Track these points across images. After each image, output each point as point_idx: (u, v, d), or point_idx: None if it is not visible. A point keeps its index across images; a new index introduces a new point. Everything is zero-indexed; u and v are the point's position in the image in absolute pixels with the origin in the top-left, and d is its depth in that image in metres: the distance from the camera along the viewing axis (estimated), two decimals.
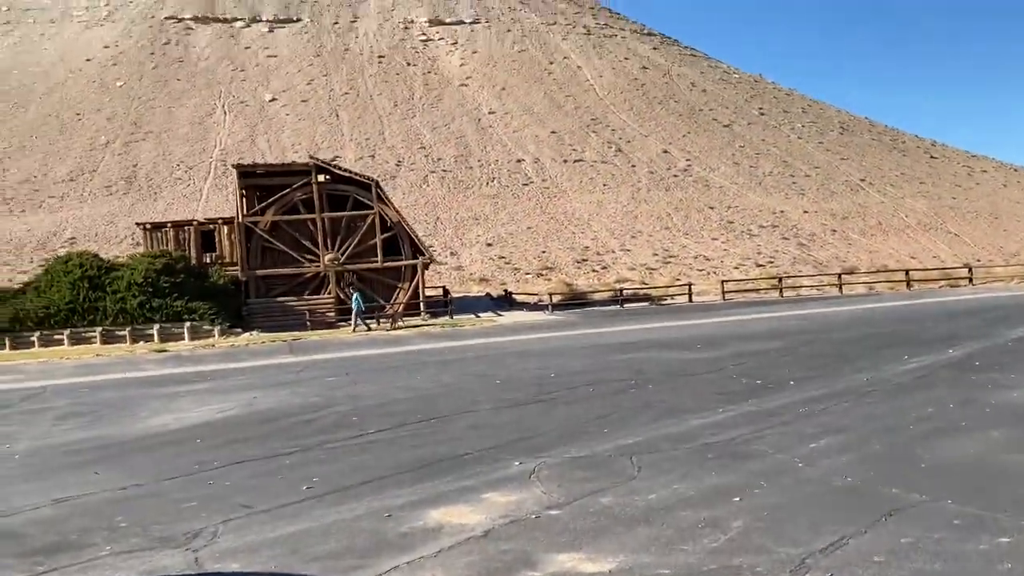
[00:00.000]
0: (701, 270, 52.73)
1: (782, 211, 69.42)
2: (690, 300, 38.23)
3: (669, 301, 38.86)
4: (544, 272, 53.32)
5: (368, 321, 32.07)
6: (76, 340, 30.89)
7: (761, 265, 53.66)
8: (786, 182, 79.47)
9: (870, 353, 16.29)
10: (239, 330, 32.10)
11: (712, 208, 68.79)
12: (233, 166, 35.49)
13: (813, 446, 8.93)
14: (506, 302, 40.13)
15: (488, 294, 44.57)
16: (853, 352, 16.63)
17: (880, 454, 8.48)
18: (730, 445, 9.14)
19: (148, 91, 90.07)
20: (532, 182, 75.01)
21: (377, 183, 35.59)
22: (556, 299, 38.13)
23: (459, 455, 9.23)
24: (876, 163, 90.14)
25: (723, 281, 40.93)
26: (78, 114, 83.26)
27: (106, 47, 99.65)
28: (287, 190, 34.32)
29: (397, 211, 35.72)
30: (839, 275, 42.21)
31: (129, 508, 7.78)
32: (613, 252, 57.82)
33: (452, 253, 56.93)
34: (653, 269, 53.69)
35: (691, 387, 13.26)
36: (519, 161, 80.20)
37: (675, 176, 78.18)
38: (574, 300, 39.72)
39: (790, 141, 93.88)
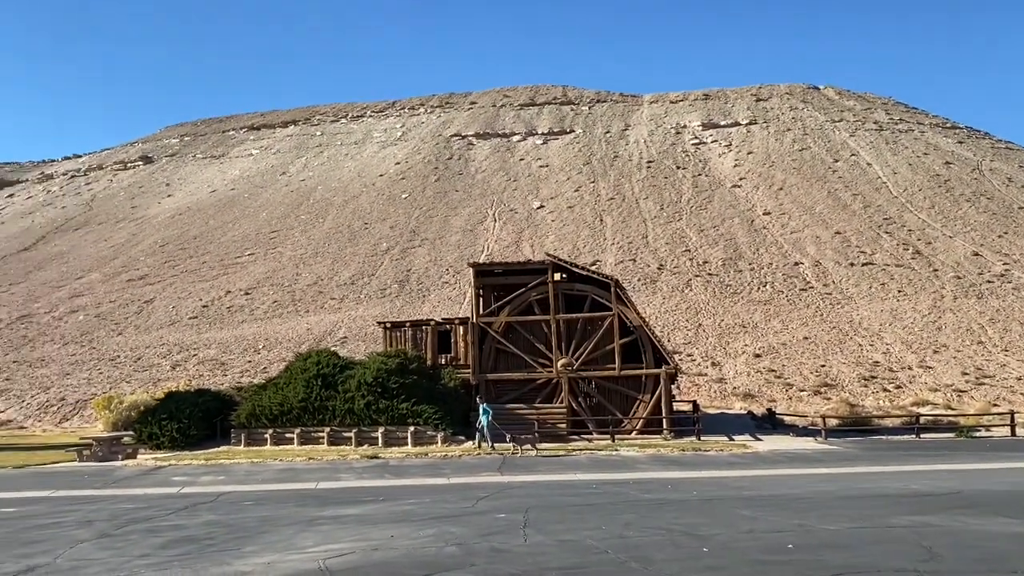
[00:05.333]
0: None
1: None
2: (1012, 433, 29.83)
3: (983, 433, 30.67)
4: (822, 390, 46.04)
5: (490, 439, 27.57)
6: (305, 439, 30.16)
7: None
8: None
9: None
10: (462, 437, 29.61)
11: None
12: (469, 264, 34.00)
13: None
14: (768, 423, 34.14)
15: (750, 412, 38.65)
16: None
17: None
18: None
19: (429, 202, 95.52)
20: (811, 287, 67.51)
21: (617, 282, 32.13)
22: (831, 423, 31.60)
23: None
24: None
25: None
26: (366, 223, 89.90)
27: (397, 163, 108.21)
28: (522, 289, 32.02)
29: (639, 314, 31.86)
30: None
31: None
32: (910, 369, 48.91)
33: (713, 364, 51.42)
34: (962, 391, 44.26)
35: None
36: (796, 264, 73.08)
37: (989, 282, 66.50)
38: (855, 426, 32.78)
39: None
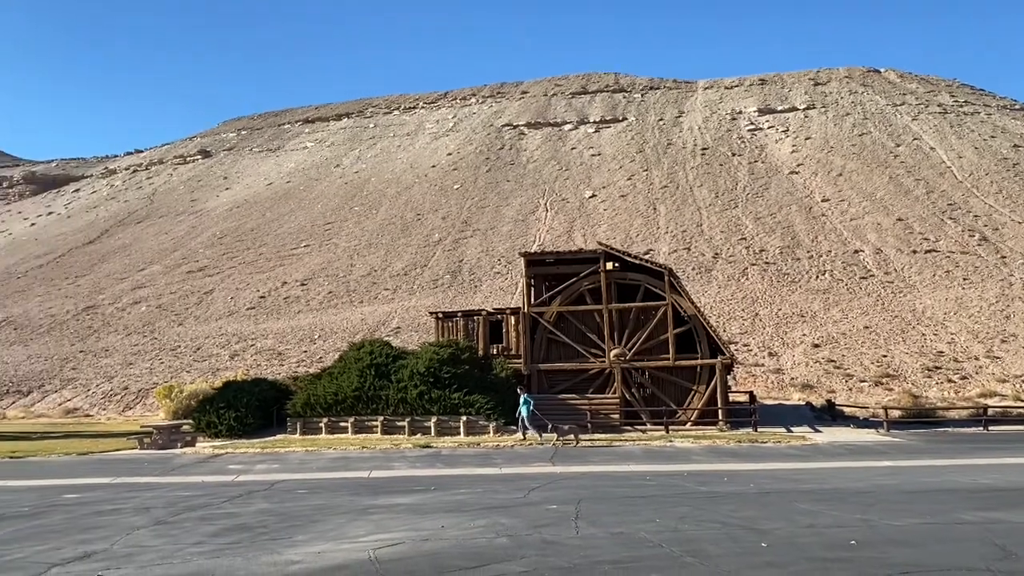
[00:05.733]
0: None
1: None
2: None
3: None
4: (884, 380, 44.81)
5: (528, 430, 27.25)
6: (359, 428, 30.40)
7: None
8: None
9: None
10: (514, 428, 29.48)
11: None
12: (521, 254, 33.82)
13: None
14: (828, 415, 33.30)
15: (808, 404, 37.76)
16: None
17: None
18: None
19: (480, 192, 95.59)
20: (872, 275, 65.77)
21: (671, 271, 31.62)
22: (894, 414, 30.67)
23: None
24: None
25: None
26: (418, 215, 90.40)
27: (449, 154, 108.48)
28: (574, 279, 31.74)
29: (693, 303, 31.31)
30: None
31: None
32: (976, 359, 47.30)
33: (771, 354, 50.44)
34: None
35: None
36: (856, 252, 71.27)
37: None
38: (919, 417, 31.75)
39: None
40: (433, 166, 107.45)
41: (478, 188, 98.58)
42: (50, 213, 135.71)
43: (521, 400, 27.68)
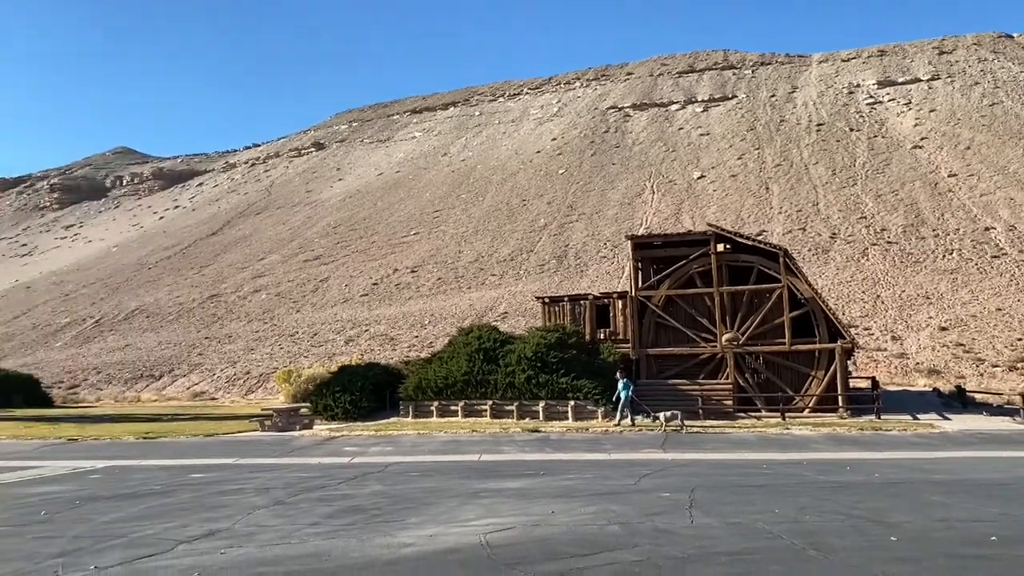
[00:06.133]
0: None
1: None
2: None
3: None
4: (1019, 365, 42.03)
5: (631, 417, 26.53)
6: (469, 412, 30.74)
7: None
8: None
9: None
10: (628, 412, 29.14)
11: None
12: (627, 237, 33.27)
13: None
14: (957, 402, 31.42)
15: (936, 390, 35.77)
16: None
17: None
18: None
19: (586, 176, 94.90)
20: (1005, 253, 61.69)
21: (786, 252, 30.43)
22: None
23: None
24: None
25: None
26: (524, 200, 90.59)
27: (553, 139, 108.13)
28: (683, 262, 31.01)
29: (810, 285, 30.08)
30: None
31: None
32: None
33: (894, 338, 48.08)
34: None
35: None
36: (987, 230, 66.98)
37: None
38: None
39: None
40: (538, 152, 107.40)
41: (583, 172, 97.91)
42: (176, 207, 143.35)
43: (620, 384, 27.28)
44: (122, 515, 12.08)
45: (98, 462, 19.77)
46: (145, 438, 26.55)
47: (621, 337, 32.32)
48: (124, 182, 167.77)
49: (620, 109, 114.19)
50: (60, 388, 53.76)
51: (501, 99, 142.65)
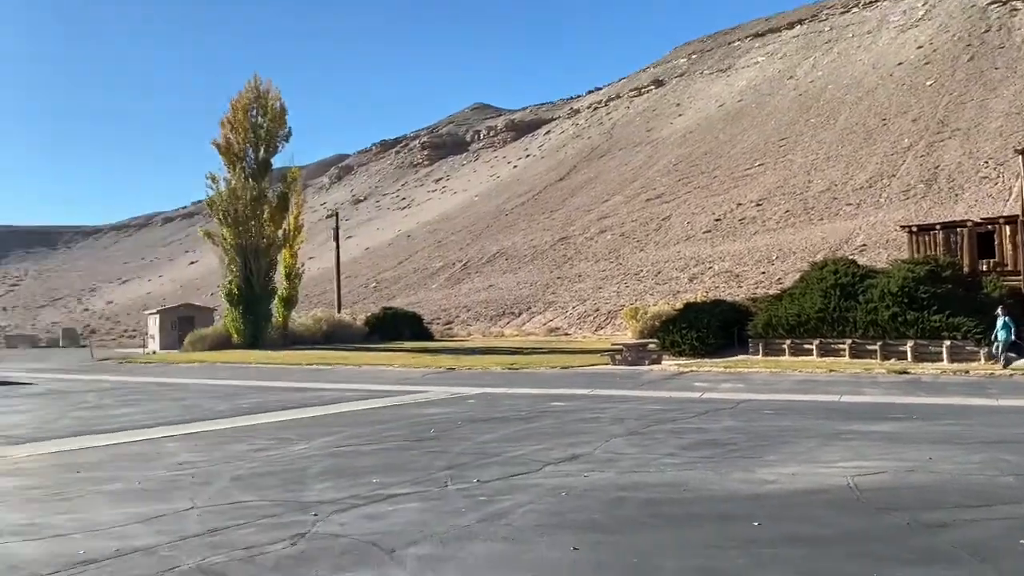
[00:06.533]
0: None
1: None
2: None
3: None
4: None
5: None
6: (824, 351, 29.09)
7: None
8: None
9: None
10: (1013, 355, 25.50)
11: None
12: (1016, 151, 28.66)
13: None
14: None
15: None
16: None
17: None
18: None
19: (959, 86, 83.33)
20: None
21: None
22: None
23: None
24: None
25: None
26: (883, 120, 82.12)
27: (919, 47, 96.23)
28: None
29: None
30: None
31: None
32: None
33: None
34: None
35: None
36: None
37: None
38: None
39: None
40: (900, 63, 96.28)
41: (957, 82, 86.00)
42: (527, 155, 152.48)
43: (999, 323, 23.85)
44: (495, 436, 13.27)
45: (472, 388, 21.99)
46: (510, 369, 28.97)
47: (1010, 268, 28.32)
48: (481, 136, 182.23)
49: (1005, 3, 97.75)
50: (438, 324, 60.63)
51: (855, 9, 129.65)
